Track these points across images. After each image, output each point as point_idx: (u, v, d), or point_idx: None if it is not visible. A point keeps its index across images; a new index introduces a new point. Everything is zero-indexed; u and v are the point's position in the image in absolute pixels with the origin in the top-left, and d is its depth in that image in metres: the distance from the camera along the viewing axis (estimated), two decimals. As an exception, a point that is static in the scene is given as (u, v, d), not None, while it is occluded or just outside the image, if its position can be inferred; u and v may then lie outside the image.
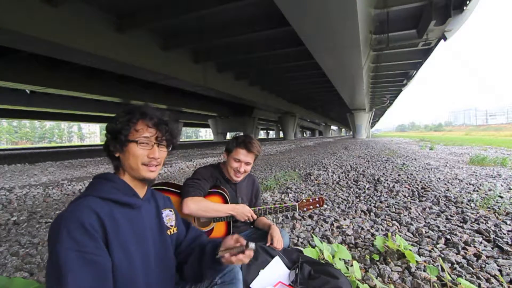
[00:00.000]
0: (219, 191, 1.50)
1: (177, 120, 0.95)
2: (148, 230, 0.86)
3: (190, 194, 1.38)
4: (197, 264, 0.95)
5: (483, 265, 1.53)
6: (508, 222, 2.21)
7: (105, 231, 0.74)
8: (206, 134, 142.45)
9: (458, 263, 1.57)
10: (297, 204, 1.55)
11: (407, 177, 4.35)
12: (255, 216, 1.48)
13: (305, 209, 1.56)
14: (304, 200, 1.57)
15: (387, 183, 3.88)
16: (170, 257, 0.93)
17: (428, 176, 4.34)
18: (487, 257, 1.63)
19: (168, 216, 0.98)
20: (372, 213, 2.58)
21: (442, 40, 9.23)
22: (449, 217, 2.39)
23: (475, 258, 1.62)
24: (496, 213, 2.45)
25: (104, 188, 0.81)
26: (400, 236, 1.87)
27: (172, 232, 0.97)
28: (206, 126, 40.37)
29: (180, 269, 0.99)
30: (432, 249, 1.76)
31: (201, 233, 1.09)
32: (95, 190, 0.81)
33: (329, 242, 1.92)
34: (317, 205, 1.56)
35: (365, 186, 3.80)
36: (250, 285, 1.17)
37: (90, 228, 0.71)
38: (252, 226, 1.68)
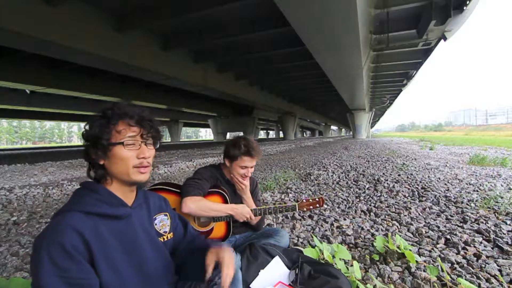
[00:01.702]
0: (219, 191, 1.51)
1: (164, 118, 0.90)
2: (140, 238, 0.82)
3: (190, 193, 1.38)
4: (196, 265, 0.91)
5: (483, 265, 1.53)
6: (508, 222, 2.21)
7: (89, 250, 0.70)
8: (206, 134, 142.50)
9: (458, 263, 1.57)
10: (297, 204, 1.54)
11: (407, 177, 4.35)
12: (253, 217, 1.48)
13: (305, 209, 1.56)
14: (304, 200, 1.56)
15: (387, 183, 3.88)
16: (167, 263, 0.90)
17: (428, 176, 4.34)
18: (487, 257, 1.63)
19: (162, 222, 0.93)
20: (372, 213, 2.58)
21: (442, 40, 9.24)
22: (449, 217, 2.39)
23: (475, 258, 1.62)
24: (496, 213, 2.44)
25: (87, 201, 0.76)
26: (400, 236, 1.87)
27: (166, 239, 0.93)
28: (206, 126, 40.41)
29: (181, 269, 0.96)
30: (432, 249, 1.76)
31: (197, 234, 1.07)
32: (78, 204, 0.76)
33: (329, 242, 1.92)
34: (317, 205, 1.56)
35: (365, 186, 3.80)
36: (250, 285, 1.17)
37: (72, 251, 0.67)
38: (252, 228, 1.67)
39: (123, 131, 0.78)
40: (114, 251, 0.75)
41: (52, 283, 0.64)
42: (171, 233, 0.95)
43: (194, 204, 1.36)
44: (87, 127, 0.79)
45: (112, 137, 0.77)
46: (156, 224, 0.91)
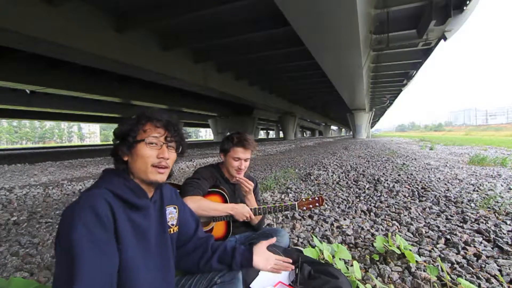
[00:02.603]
0: (219, 190, 1.51)
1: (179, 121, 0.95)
2: (151, 232, 0.86)
3: (189, 193, 1.38)
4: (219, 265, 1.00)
5: (483, 265, 1.53)
6: (508, 222, 2.21)
7: (116, 224, 0.74)
8: (206, 134, 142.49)
9: (458, 263, 1.57)
10: (296, 203, 1.54)
11: (407, 177, 4.35)
12: (253, 217, 1.48)
13: (304, 208, 1.55)
14: (304, 199, 1.56)
15: (387, 183, 3.88)
16: (170, 258, 0.92)
17: (428, 176, 4.34)
18: (487, 257, 1.63)
19: (171, 214, 0.96)
20: (372, 213, 2.58)
21: (442, 40, 9.23)
22: (449, 217, 2.39)
23: (475, 258, 1.62)
24: (496, 213, 2.45)
25: (116, 183, 0.80)
26: (400, 236, 1.87)
27: (172, 231, 0.95)
28: (206, 126, 40.36)
29: (191, 268, 1.01)
30: (432, 249, 1.76)
31: (207, 235, 1.08)
32: (108, 183, 0.80)
33: (329, 242, 1.92)
34: (317, 204, 1.55)
35: (365, 186, 3.80)
36: (250, 285, 1.16)
37: (105, 219, 0.71)
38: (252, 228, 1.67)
39: (148, 131, 0.84)
40: (129, 235, 0.78)
41: (83, 245, 0.66)
42: (177, 226, 0.98)
43: (194, 204, 1.36)
44: (119, 126, 0.86)
45: (138, 135, 0.83)
46: (166, 216, 0.94)
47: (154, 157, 0.83)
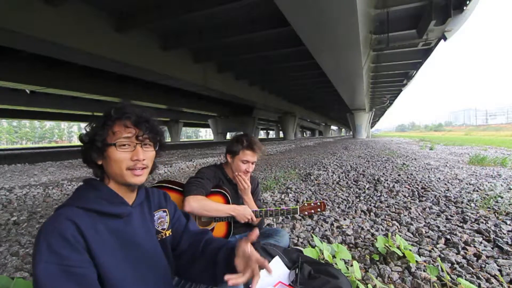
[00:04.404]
0: (221, 191, 1.51)
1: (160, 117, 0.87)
2: (139, 237, 0.81)
3: (192, 192, 1.39)
4: (211, 268, 0.86)
5: (483, 265, 1.53)
6: (508, 222, 2.21)
7: (87, 243, 0.69)
8: (206, 134, 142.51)
9: (458, 263, 1.57)
10: (298, 207, 1.55)
11: (407, 177, 4.35)
12: (255, 219, 1.48)
13: (306, 213, 1.57)
14: (306, 204, 1.57)
15: (387, 183, 3.88)
16: (165, 262, 0.88)
17: (428, 176, 4.34)
18: (487, 257, 1.63)
19: (161, 219, 0.91)
20: (372, 213, 2.58)
21: (442, 40, 9.23)
22: (449, 217, 2.39)
23: (475, 258, 1.62)
24: (496, 213, 2.45)
25: (88, 198, 0.75)
26: (400, 236, 1.87)
27: (164, 236, 0.90)
28: (206, 126, 40.39)
29: (185, 270, 0.92)
30: (432, 249, 1.76)
31: (203, 230, 1.01)
32: (78, 200, 0.75)
33: (329, 242, 1.92)
34: (318, 209, 1.57)
35: (365, 186, 3.80)
36: (250, 285, 1.16)
37: (73, 240, 0.66)
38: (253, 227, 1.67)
39: (118, 132, 0.76)
40: (110, 248, 0.74)
41: (50, 271, 0.63)
42: (170, 230, 0.93)
43: (197, 203, 1.36)
44: (85, 129, 0.79)
45: (107, 138, 0.76)
46: (154, 221, 0.90)
47: (128, 160, 0.76)
